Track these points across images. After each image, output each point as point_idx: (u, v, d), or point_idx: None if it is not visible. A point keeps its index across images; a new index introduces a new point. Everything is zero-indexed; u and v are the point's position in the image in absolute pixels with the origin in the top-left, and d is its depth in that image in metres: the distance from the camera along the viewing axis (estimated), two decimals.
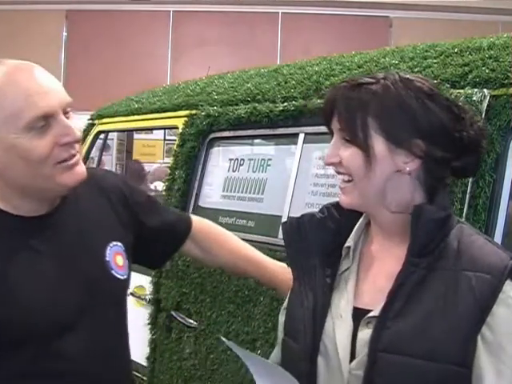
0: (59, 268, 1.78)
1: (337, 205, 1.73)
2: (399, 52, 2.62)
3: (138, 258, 2.08)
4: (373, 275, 1.67)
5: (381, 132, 1.57)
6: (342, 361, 1.59)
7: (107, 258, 1.89)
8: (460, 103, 1.65)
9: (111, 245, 1.92)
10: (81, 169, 1.77)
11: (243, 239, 2.82)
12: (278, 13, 12.00)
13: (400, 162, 1.57)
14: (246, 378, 2.69)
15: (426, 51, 2.47)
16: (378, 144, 1.57)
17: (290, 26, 11.90)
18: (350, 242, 1.71)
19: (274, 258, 2.60)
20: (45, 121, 1.68)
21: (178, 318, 3.09)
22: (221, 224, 3.03)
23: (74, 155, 1.74)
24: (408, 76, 1.62)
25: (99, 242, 1.91)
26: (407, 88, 1.57)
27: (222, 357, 2.84)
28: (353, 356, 1.58)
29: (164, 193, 3.40)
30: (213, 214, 3.13)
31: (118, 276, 1.90)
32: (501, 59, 2.12)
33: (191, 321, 3.02)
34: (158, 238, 2.15)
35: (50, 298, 1.75)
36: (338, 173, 1.65)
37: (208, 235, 2.29)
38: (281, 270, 2.22)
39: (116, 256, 1.92)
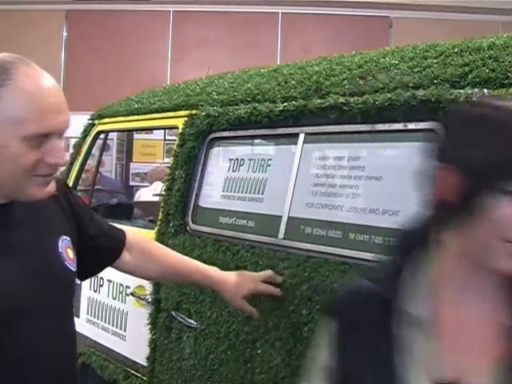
0: (16, 255, 1.84)
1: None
2: (399, 52, 2.62)
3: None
4: (453, 340, 1.39)
5: None
6: None
7: (60, 250, 1.96)
8: None
9: (62, 238, 2.00)
10: (52, 186, 1.86)
11: (243, 239, 2.83)
12: (278, 13, 12.02)
13: None
14: (246, 378, 2.70)
15: (426, 51, 2.47)
16: None
17: (290, 25, 11.92)
18: (411, 308, 1.41)
19: (273, 257, 2.61)
20: (42, 138, 1.73)
21: (178, 318, 3.09)
22: (221, 224, 3.04)
23: (52, 174, 1.82)
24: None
25: (52, 235, 1.98)
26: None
27: (222, 357, 2.84)
28: None
29: (164, 193, 3.40)
30: (213, 214, 3.13)
31: (70, 267, 1.98)
32: (501, 59, 2.12)
33: (191, 321, 3.02)
34: (98, 244, 2.25)
35: (5, 283, 1.78)
36: None
37: (144, 249, 2.46)
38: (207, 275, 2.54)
39: (67, 249, 2.00)
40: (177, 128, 3.48)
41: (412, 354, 1.39)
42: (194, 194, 3.23)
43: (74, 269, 2.01)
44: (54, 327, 1.90)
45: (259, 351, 2.64)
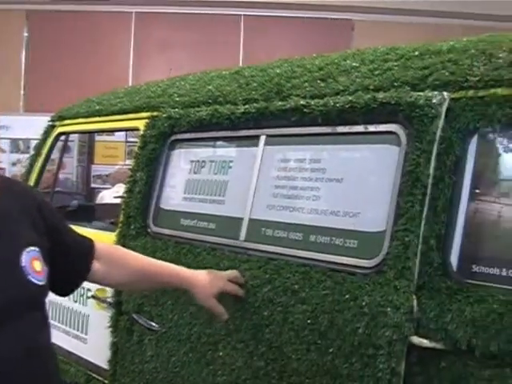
0: None
1: None
2: (360, 55, 2.64)
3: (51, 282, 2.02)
4: None
5: None
6: None
7: (23, 264, 1.84)
8: None
9: (28, 250, 1.88)
10: None
11: (204, 241, 2.83)
12: (241, 15, 12.03)
13: None
14: (208, 381, 2.69)
15: (387, 54, 2.49)
16: None
17: (253, 28, 11.93)
18: None
19: (234, 259, 2.62)
20: None
21: (140, 320, 3.07)
22: (182, 226, 3.03)
23: None
24: None
25: (15, 247, 1.87)
26: None
27: (184, 359, 2.83)
28: None
29: (125, 195, 3.38)
30: (174, 216, 3.12)
31: (35, 281, 1.86)
32: (460, 62, 2.14)
33: (153, 323, 3.01)
34: (69, 256, 2.15)
35: None
36: None
37: (112, 255, 2.37)
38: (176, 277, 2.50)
39: (33, 261, 1.88)
40: (138, 130, 3.47)
41: None
42: (155, 196, 3.22)
43: (40, 282, 1.88)
44: (20, 347, 1.79)
45: (221, 353, 2.64)
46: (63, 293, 2.30)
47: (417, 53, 2.36)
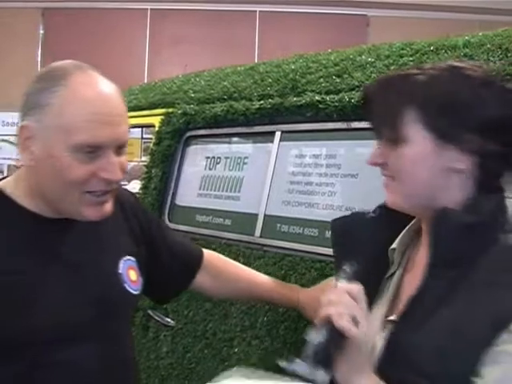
0: (72, 275, 1.74)
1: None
2: (375, 50, 2.62)
3: (149, 289, 2.03)
4: (410, 284, 1.53)
5: (426, 126, 1.42)
6: None
7: (120, 271, 1.85)
8: None
9: (125, 258, 1.89)
10: (108, 207, 1.75)
11: (220, 237, 2.83)
12: (256, 11, 11.99)
13: (450, 160, 1.42)
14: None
15: (402, 49, 2.48)
16: (423, 139, 1.42)
17: (268, 24, 11.90)
18: (395, 244, 1.58)
19: (250, 255, 2.61)
20: (93, 149, 1.63)
21: (155, 316, 3.08)
22: (197, 222, 3.03)
23: (107, 192, 1.71)
24: (458, 64, 1.47)
25: (113, 254, 1.88)
26: (456, 76, 1.43)
27: (199, 355, 2.83)
28: None
29: (140, 191, 3.39)
30: (189, 213, 3.12)
31: (131, 290, 1.87)
32: (476, 57, 2.12)
33: (168, 319, 3.01)
34: (168, 265, 2.13)
35: (57, 306, 1.69)
36: (383, 173, 1.53)
37: (218, 268, 2.28)
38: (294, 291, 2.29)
39: (129, 270, 1.88)
40: (153, 126, 3.47)
41: (388, 287, 1.58)
42: (171, 193, 3.23)
43: (135, 291, 1.89)
44: (107, 354, 1.78)
45: (236, 350, 2.64)
46: (161, 301, 2.35)
47: (432, 48, 2.35)
